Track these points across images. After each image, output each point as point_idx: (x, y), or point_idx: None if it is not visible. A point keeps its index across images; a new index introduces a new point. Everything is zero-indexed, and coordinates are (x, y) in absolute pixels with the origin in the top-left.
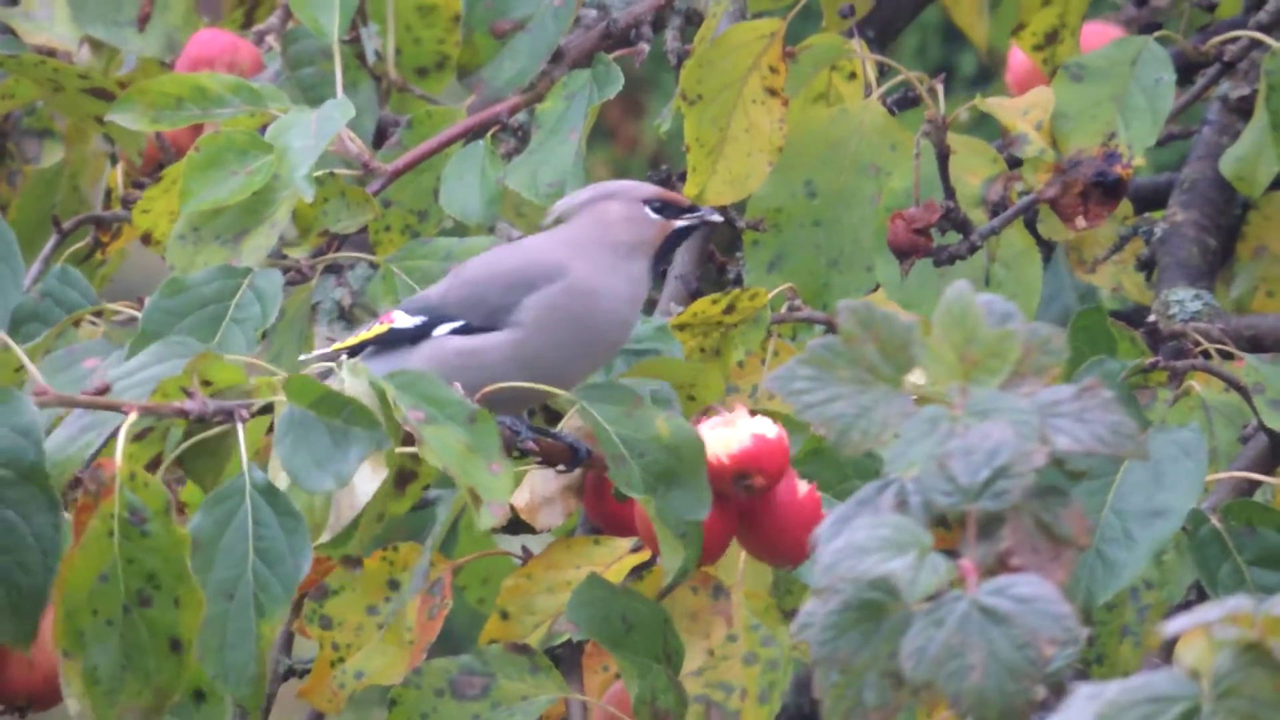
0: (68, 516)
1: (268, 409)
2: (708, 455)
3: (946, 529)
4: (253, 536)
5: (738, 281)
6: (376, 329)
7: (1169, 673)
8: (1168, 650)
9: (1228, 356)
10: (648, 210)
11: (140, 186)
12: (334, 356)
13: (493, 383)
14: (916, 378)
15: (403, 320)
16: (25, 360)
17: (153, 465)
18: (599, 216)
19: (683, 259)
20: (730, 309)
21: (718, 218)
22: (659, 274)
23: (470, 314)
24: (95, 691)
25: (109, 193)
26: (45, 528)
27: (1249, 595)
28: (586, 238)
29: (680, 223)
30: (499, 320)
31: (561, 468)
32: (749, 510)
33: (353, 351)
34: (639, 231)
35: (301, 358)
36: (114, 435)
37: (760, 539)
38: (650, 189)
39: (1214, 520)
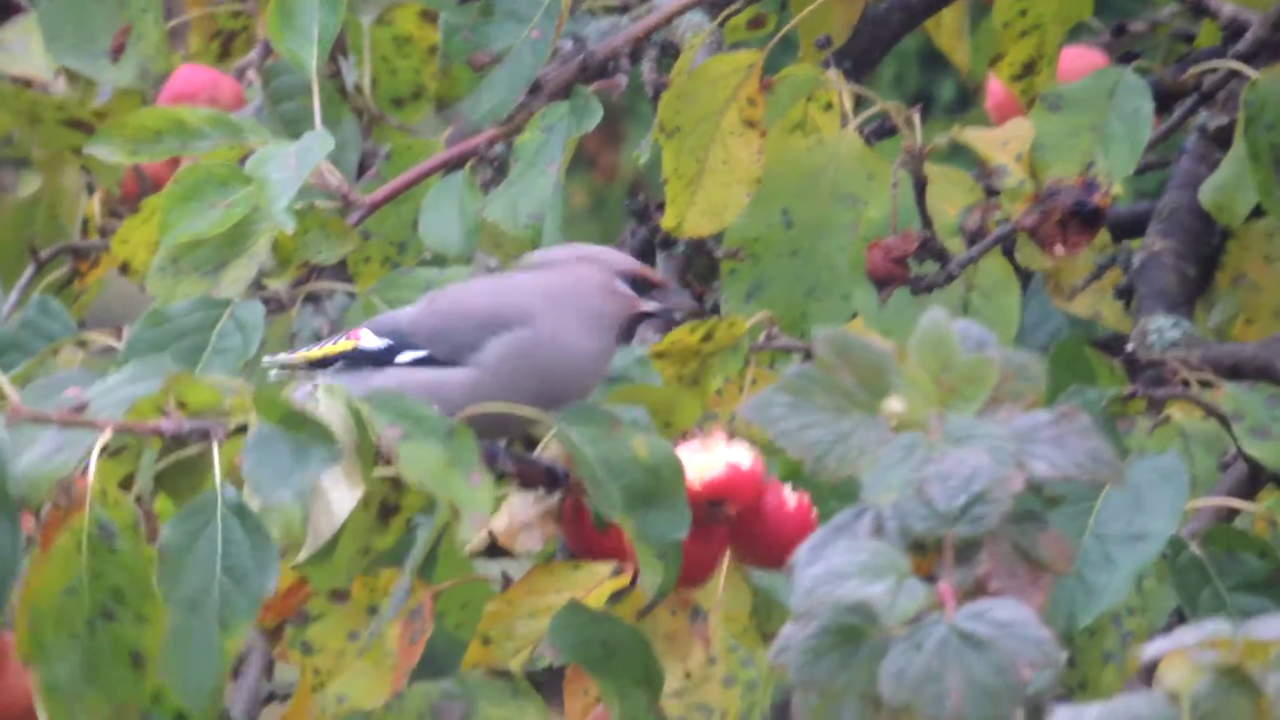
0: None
1: (243, 429)
2: None
3: (923, 555)
4: (221, 553)
5: (715, 310)
6: (342, 344)
7: (1148, 696)
8: (1149, 674)
9: (1206, 385)
10: (620, 284)
11: (118, 216)
12: (297, 365)
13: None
14: (893, 405)
15: (369, 340)
16: (4, 382)
17: (125, 484)
18: (575, 277)
19: None
20: (708, 337)
21: (689, 306)
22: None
23: (436, 346)
24: (55, 702)
25: (86, 222)
26: (4, 547)
27: (1229, 620)
28: (559, 294)
29: (648, 306)
30: (463, 357)
31: (540, 491)
32: (739, 524)
33: (317, 363)
34: (608, 303)
35: (266, 359)
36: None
37: (755, 550)
38: (628, 263)
39: (1194, 547)
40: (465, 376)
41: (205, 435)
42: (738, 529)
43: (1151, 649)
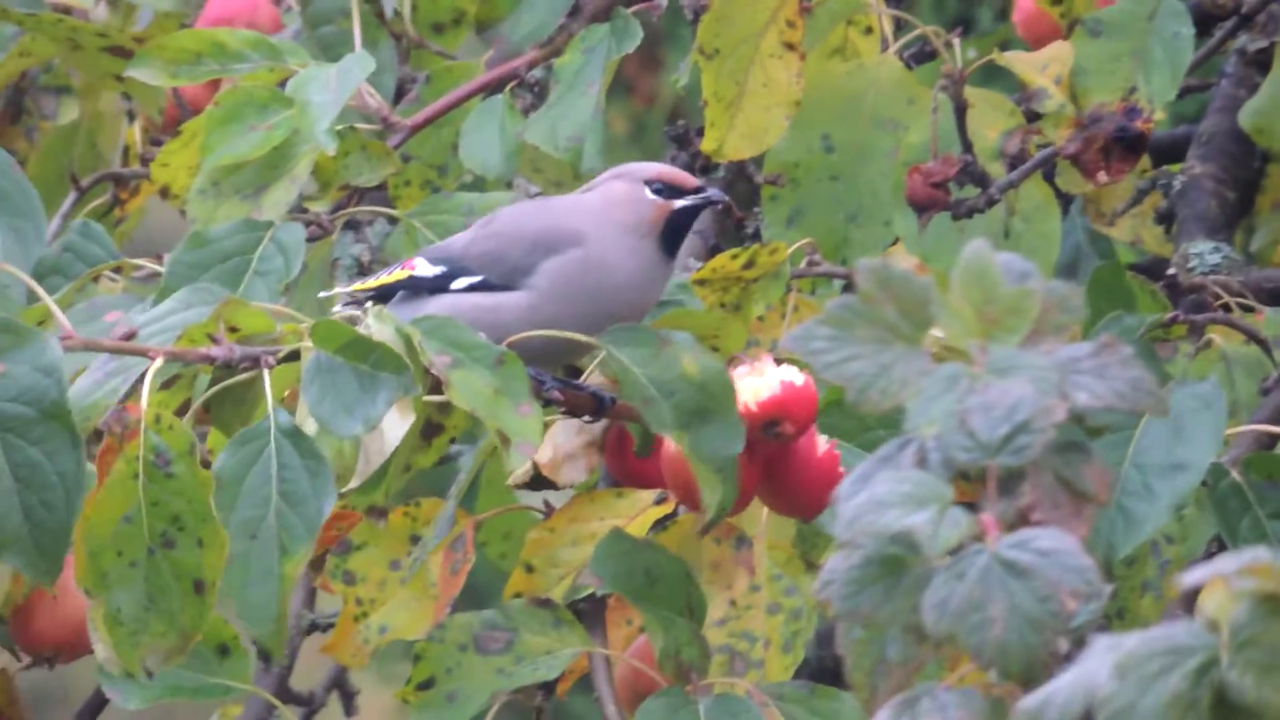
0: (91, 467)
1: (294, 355)
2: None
3: (968, 483)
4: (276, 478)
5: (756, 237)
6: (397, 274)
7: (1187, 624)
8: (1188, 603)
9: (1248, 309)
10: (647, 190)
11: (158, 144)
12: (356, 298)
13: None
14: (936, 337)
15: (423, 268)
16: (53, 306)
17: (179, 413)
18: (607, 194)
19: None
20: (750, 264)
21: (720, 198)
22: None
23: (489, 270)
24: (119, 633)
25: (127, 150)
26: (68, 465)
27: (1269, 547)
28: (599, 212)
29: (680, 203)
30: (516, 280)
31: (587, 418)
32: (769, 463)
33: (376, 295)
34: (638, 211)
35: (322, 294)
36: (140, 382)
37: (778, 492)
38: (654, 169)
39: (1234, 474)
40: (520, 300)
41: (256, 362)
42: (768, 470)
43: (1190, 577)
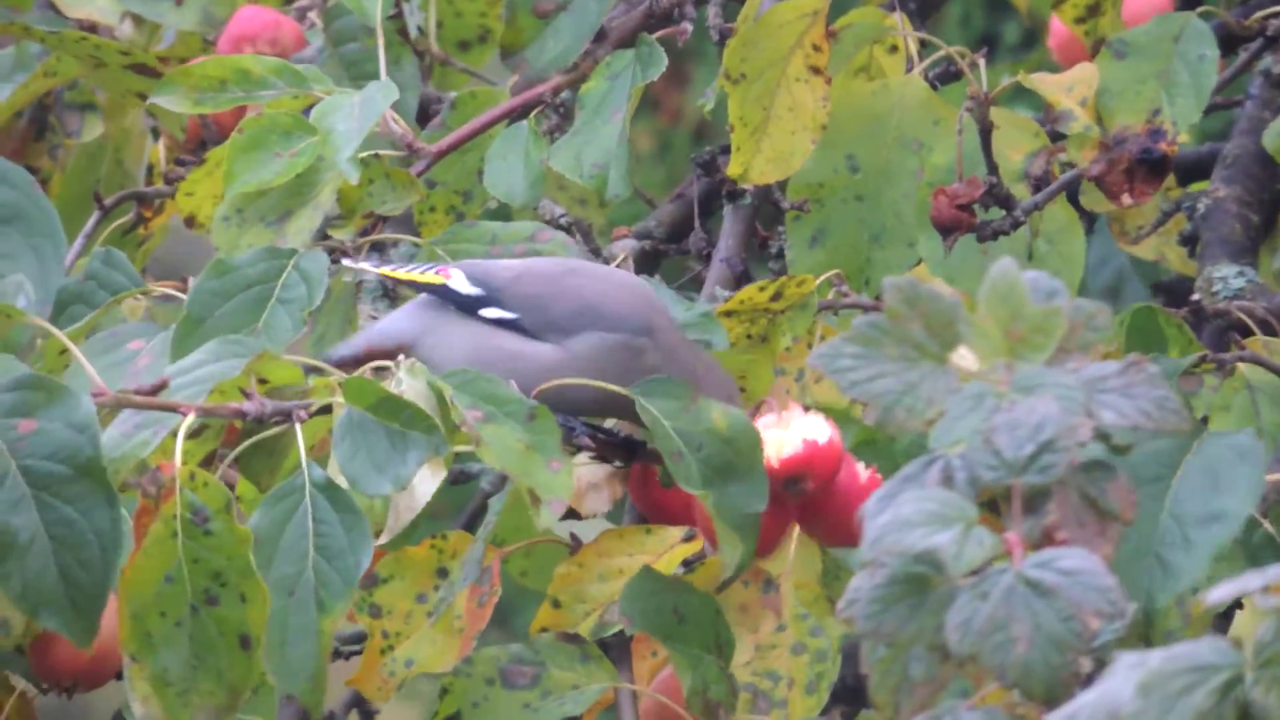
0: (125, 514)
1: (325, 409)
2: None
3: (994, 513)
4: (313, 533)
5: (779, 256)
6: (430, 277)
7: (1211, 642)
8: (1218, 627)
9: (1271, 333)
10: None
11: (182, 164)
12: (381, 279)
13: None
14: (962, 355)
15: (459, 283)
16: (79, 356)
17: (206, 462)
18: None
19: (727, 241)
20: (777, 296)
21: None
22: (703, 255)
23: (528, 315)
24: (167, 694)
25: (151, 168)
26: (104, 523)
27: None
28: (672, 330)
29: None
30: (550, 334)
31: (619, 463)
32: (811, 498)
33: (400, 284)
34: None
35: (345, 261)
36: (170, 433)
37: (824, 525)
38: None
39: (1266, 525)
40: (548, 354)
41: (287, 417)
42: (808, 507)
43: (1215, 595)
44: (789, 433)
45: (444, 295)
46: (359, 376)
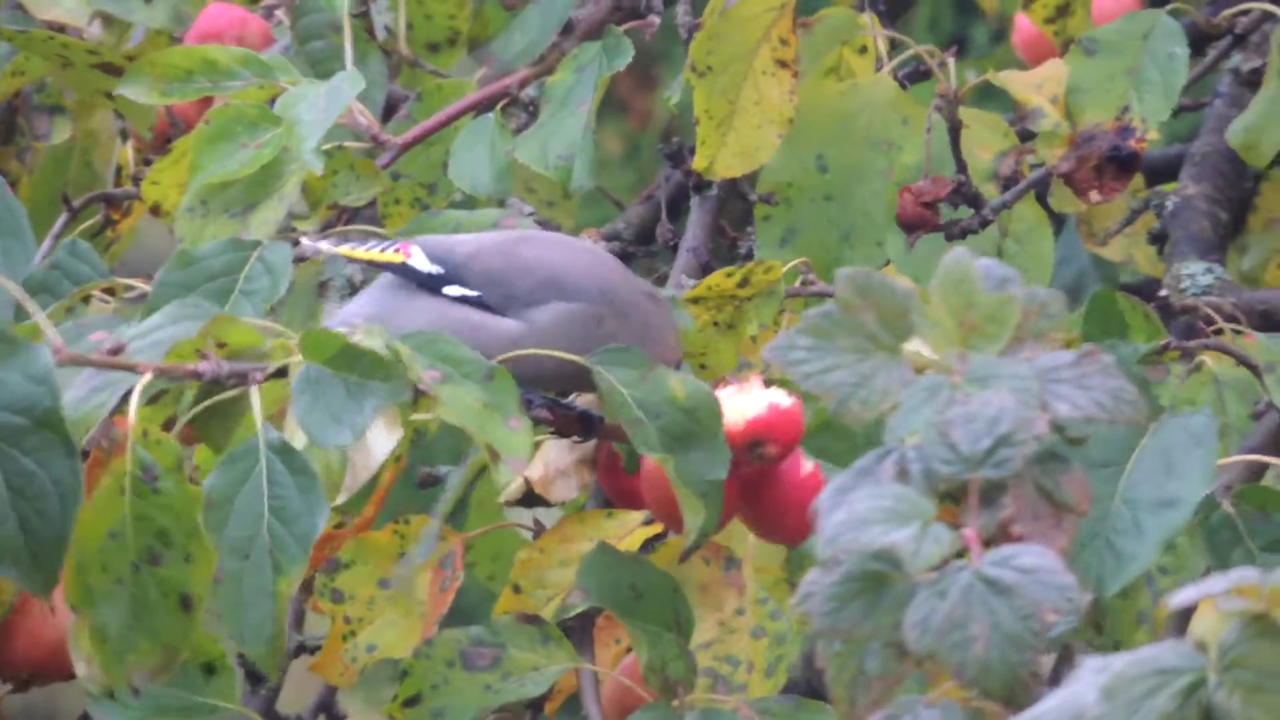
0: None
1: (282, 372)
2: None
3: (951, 502)
4: (268, 495)
5: (749, 256)
6: (390, 255)
7: (1175, 645)
8: (1178, 624)
9: (1239, 332)
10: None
11: (149, 164)
12: (339, 256)
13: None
14: (916, 345)
15: (419, 261)
16: (41, 319)
17: (165, 428)
18: (655, 311)
19: (694, 232)
20: (744, 283)
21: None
22: (670, 246)
23: (488, 290)
24: (104, 650)
25: (119, 169)
26: (63, 474)
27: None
28: (634, 298)
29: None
30: (513, 309)
31: (576, 438)
32: (752, 486)
33: (357, 262)
34: (666, 352)
35: (305, 240)
36: (127, 396)
37: (761, 516)
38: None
39: (1225, 505)
40: (511, 329)
41: (243, 378)
42: (748, 495)
43: (1179, 597)
44: (751, 398)
45: (404, 274)
46: (317, 329)
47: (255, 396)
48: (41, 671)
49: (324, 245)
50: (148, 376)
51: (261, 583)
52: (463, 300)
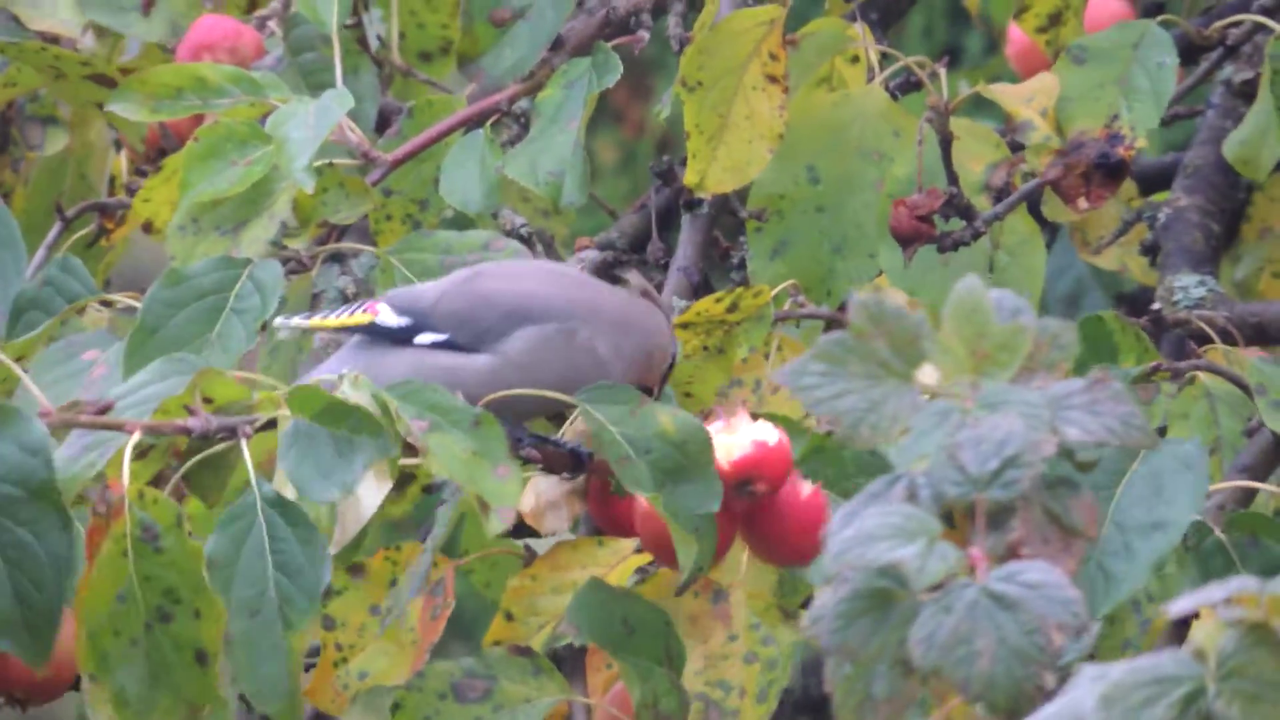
0: (81, 530)
1: (270, 424)
2: None
3: (953, 528)
4: (270, 551)
5: (741, 267)
6: (359, 317)
7: (1174, 654)
8: (1174, 636)
9: (1232, 342)
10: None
11: (142, 174)
12: (310, 330)
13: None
14: (927, 373)
15: (387, 316)
16: (26, 380)
17: (156, 481)
18: (642, 311)
19: (685, 250)
20: (734, 307)
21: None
22: (661, 265)
23: (457, 331)
24: (125, 713)
25: (113, 180)
26: (58, 546)
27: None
28: (611, 310)
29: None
30: (484, 344)
31: (565, 475)
32: (753, 512)
33: (330, 331)
34: (655, 359)
35: (279, 320)
36: (116, 452)
37: (765, 540)
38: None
39: (1217, 532)
40: (483, 364)
41: (232, 433)
42: (750, 521)
43: (1177, 606)
44: (737, 436)
45: (374, 333)
46: (304, 385)
47: (246, 452)
48: (38, 691)
49: (296, 321)
50: (137, 435)
51: (273, 639)
52: (434, 346)
